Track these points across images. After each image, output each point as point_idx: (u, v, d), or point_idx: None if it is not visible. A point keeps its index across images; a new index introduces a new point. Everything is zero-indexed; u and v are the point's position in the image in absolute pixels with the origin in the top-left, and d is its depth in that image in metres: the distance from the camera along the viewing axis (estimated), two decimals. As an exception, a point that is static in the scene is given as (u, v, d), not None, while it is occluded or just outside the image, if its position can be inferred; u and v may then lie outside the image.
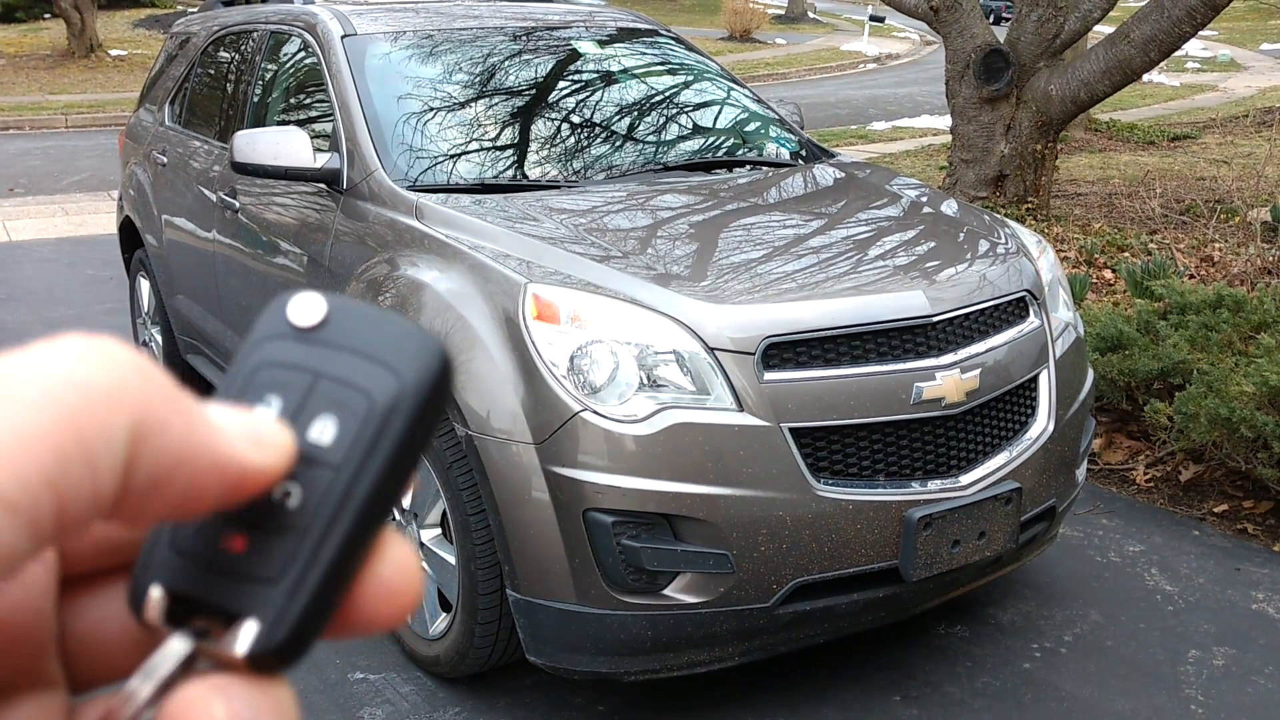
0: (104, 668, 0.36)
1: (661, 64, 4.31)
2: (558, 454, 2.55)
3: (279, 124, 4.06)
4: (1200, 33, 7.57)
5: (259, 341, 0.36)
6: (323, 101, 3.80)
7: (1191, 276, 5.97)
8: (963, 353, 2.79)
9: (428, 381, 0.35)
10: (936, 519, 2.66)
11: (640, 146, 3.83)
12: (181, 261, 4.77)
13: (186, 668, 0.34)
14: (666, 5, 32.27)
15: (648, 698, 2.96)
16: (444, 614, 2.94)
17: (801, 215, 3.44)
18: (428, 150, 3.52)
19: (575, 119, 3.86)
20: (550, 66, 4.06)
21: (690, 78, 4.26)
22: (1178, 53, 7.92)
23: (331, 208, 3.48)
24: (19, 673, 0.33)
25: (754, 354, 2.60)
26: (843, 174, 3.86)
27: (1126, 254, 6.57)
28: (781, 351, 2.64)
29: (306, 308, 0.36)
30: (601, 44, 4.26)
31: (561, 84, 4.02)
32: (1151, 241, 6.89)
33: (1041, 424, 2.98)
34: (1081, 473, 3.25)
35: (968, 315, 2.86)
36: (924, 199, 3.64)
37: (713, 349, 2.60)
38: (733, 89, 4.29)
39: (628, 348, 2.59)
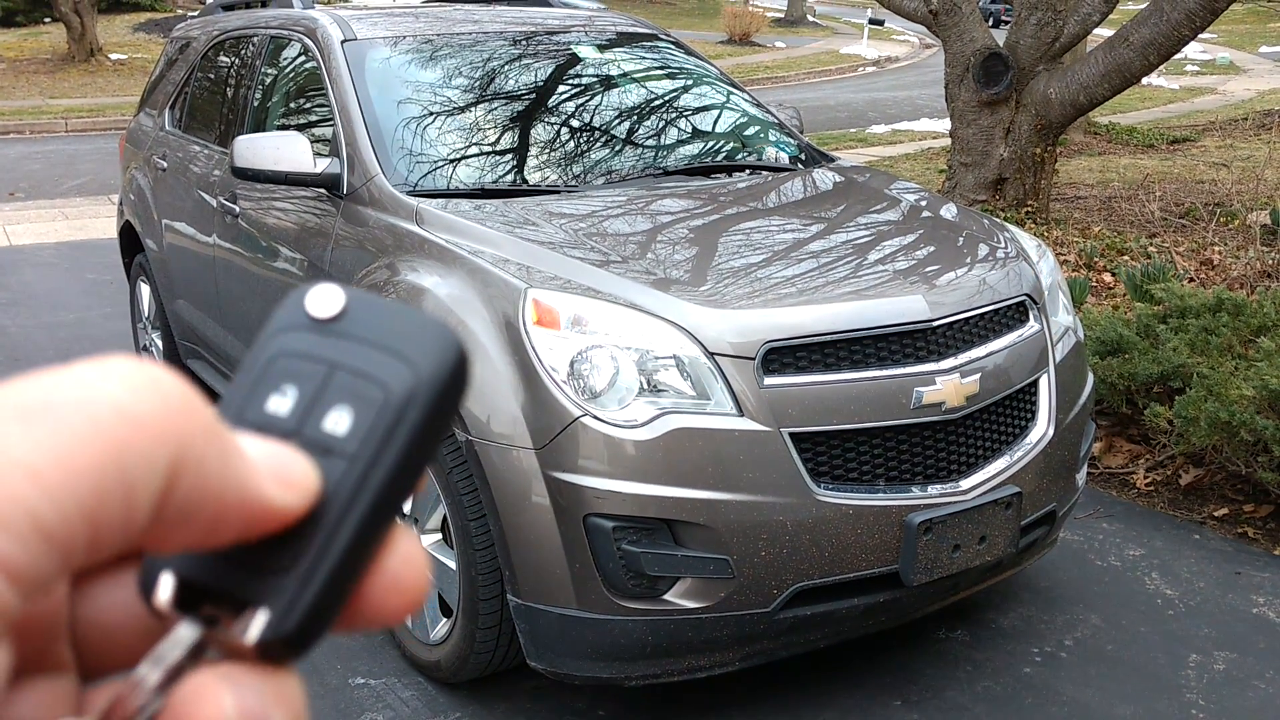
0: (114, 654, 0.36)
1: (661, 68, 4.31)
2: (558, 459, 2.55)
3: (279, 129, 4.06)
4: (1199, 36, 7.57)
5: (277, 332, 0.36)
6: (323, 106, 3.80)
7: (1191, 280, 5.96)
8: (963, 357, 2.79)
9: (444, 375, 0.35)
10: (937, 524, 2.66)
11: (640, 151, 3.83)
12: (182, 266, 4.77)
13: (195, 655, 0.34)
14: (666, 9, 32.30)
15: (648, 703, 2.96)
16: (445, 619, 2.94)
17: (801, 220, 3.44)
18: (428, 155, 3.52)
19: (575, 124, 3.86)
20: (550, 71, 4.06)
21: (689, 82, 4.26)
22: (1177, 56, 7.92)
23: (332, 213, 3.48)
24: (30, 657, 0.33)
25: (754, 359, 2.60)
26: (842, 178, 3.86)
27: (1126, 257, 6.57)
28: (781, 356, 2.64)
29: (325, 299, 0.36)
30: (601, 49, 4.26)
31: (561, 89, 4.02)
32: (1151, 245, 6.89)
33: (1041, 428, 2.98)
34: (1082, 477, 3.25)
35: (967, 320, 2.86)
36: (923, 203, 3.64)
37: (713, 354, 2.59)
38: (732, 93, 4.30)
39: (628, 353, 2.59)
